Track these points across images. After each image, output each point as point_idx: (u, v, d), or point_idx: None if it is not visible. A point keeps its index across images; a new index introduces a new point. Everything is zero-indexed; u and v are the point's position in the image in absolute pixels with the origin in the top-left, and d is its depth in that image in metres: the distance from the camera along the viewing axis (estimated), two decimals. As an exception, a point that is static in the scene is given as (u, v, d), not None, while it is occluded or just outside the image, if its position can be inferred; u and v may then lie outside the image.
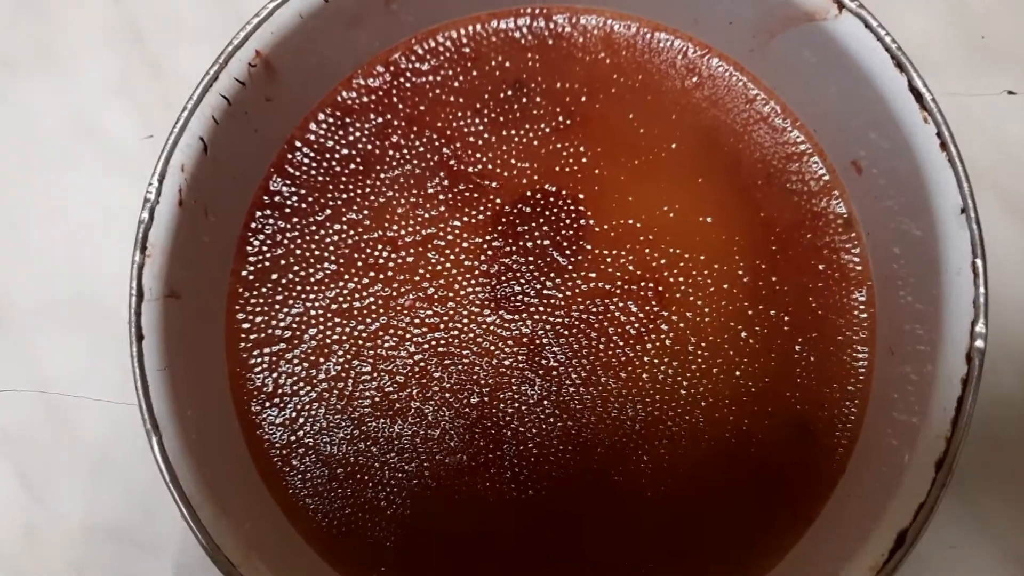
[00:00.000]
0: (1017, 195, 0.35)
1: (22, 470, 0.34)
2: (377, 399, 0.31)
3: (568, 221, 0.32)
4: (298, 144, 0.32)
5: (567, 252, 0.32)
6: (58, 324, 0.35)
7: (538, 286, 0.31)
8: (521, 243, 0.32)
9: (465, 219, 0.32)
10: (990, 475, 0.33)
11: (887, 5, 0.36)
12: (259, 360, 0.31)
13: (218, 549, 0.25)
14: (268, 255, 0.31)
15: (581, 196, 0.32)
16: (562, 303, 0.31)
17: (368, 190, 0.32)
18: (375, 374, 0.31)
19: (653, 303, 0.31)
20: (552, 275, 0.31)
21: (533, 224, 0.32)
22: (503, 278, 0.31)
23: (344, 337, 0.31)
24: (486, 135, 0.32)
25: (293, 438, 0.31)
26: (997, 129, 0.35)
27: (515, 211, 0.32)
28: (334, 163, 0.32)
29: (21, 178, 0.36)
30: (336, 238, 0.32)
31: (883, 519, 0.25)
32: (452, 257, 0.32)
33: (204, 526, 0.25)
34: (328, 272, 0.31)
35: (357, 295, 0.31)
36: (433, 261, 0.32)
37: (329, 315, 0.31)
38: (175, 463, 0.25)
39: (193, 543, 0.33)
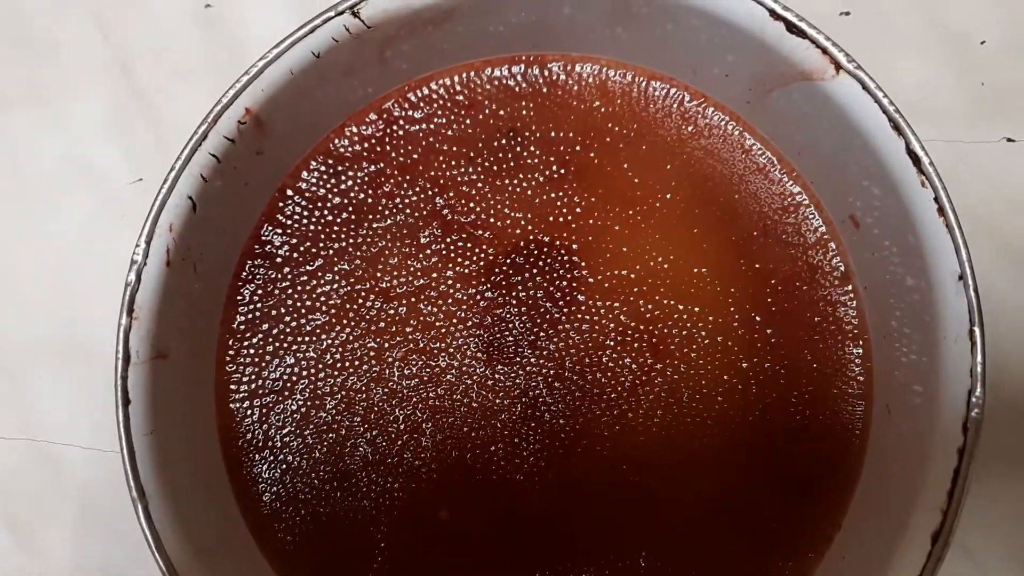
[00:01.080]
0: (1016, 242, 0.35)
1: (11, 517, 0.34)
2: (368, 453, 0.31)
3: (562, 272, 0.31)
4: (290, 193, 0.32)
5: (560, 303, 0.31)
6: (47, 367, 0.35)
7: (531, 337, 0.31)
8: (514, 294, 0.31)
9: (458, 269, 0.31)
10: (986, 526, 0.33)
11: (887, 52, 0.35)
12: (249, 412, 0.31)
13: (205, 619, 0.24)
14: (259, 305, 0.31)
15: (575, 246, 0.32)
16: (555, 355, 0.31)
17: (360, 240, 0.32)
18: (366, 427, 0.31)
19: (647, 354, 0.31)
20: (545, 326, 0.31)
21: (526, 275, 0.31)
22: (496, 329, 0.31)
23: (336, 389, 0.31)
24: (479, 184, 0.32)
25: (283, 491, 0.30)
26: (996, 176, 0.35)
27: (508, 261, 0.31)
28: (326, 212, 0.32)
29: (10, 217, 0.36)
30: (328, 288, 0.31)
31: (878, 592, 0.25)
32: (445, 308, 0.31)
33: (191, 595, 0.24)
34: (319, 323, 0.31)
35: (349, 347, 0.31)
36: (426, 312, 0.31)
37: (320, 367, 0.31)
38: (161, 530, 0.25)
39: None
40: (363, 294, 0.31)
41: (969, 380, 0.25)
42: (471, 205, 0.32)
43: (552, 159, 0.32)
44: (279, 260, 0.31)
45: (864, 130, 0.27)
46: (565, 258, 0.32)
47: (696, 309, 0.31)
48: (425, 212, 0.32)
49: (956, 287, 0.25)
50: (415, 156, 0.32)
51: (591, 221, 0.32)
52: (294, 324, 0.31)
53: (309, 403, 0.31)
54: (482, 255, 0.31)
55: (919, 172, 0.26)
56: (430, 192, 0.32)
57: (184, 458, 0.28)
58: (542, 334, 0.31)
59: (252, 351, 0.31)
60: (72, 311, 0.35)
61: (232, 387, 0.31)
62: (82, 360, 0.35)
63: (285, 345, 0.31)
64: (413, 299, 0.31)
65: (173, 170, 0.26)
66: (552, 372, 0.31)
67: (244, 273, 0.31)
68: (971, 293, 0.25)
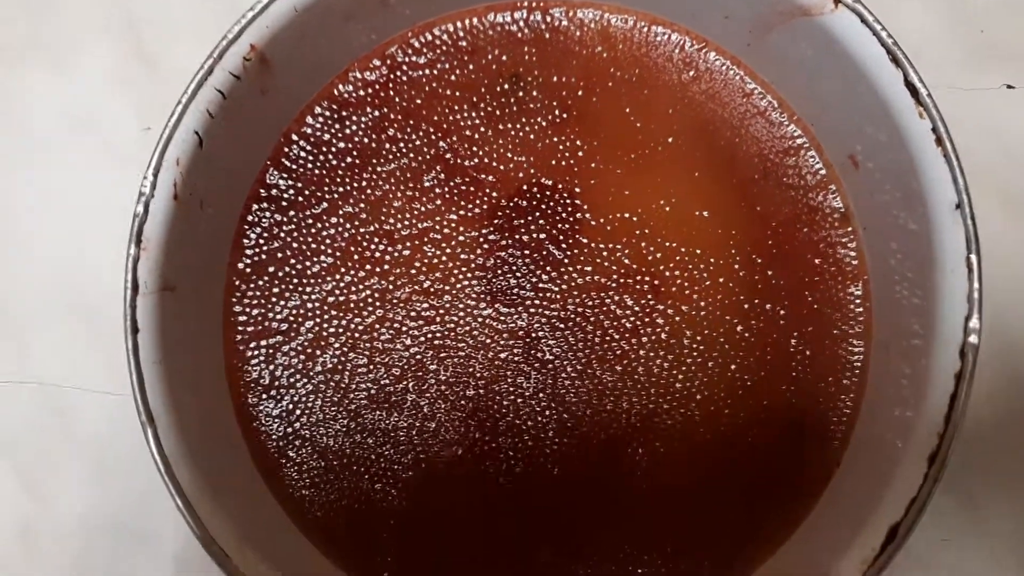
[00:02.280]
0: (1015, 189, 0.35)
1: (18, 465, 0.35)
2: (373, 391, 0.31)
3: (564, 215, 0.32)
4: (294, 137, 0.32)
5: (563, 246, 0.32)
6: (55, 317, 0.35)
7: (534, 280, 0.31)
8: (517, 237, 0.32)
9: (461, 213, 0.32)
10: (984, 468, 0.33)
11: (886, 0, 0.36)
12: (256, 353, 0.31)
13: (212, 540, 0.25)
14: (264, 248, 0.32)
15: (577, 190, 0.32)
16: (558, 296, 0.31)
17: (365, 184, 0.32)
18: (371, 367, 0.31)
19: (649, 297, 0.31)
20: (548, 269, 0.31)
21: (529, 218, 0.32)
22: (499, 272, 0.32)
23: (341, 330, 0.31)
24: (482, 129, 0.32)
25: (290, 430, 0.31)
26: (996, 123, 0.35)
27: (511, 205, 0.32)
28: (330, 157, 0.32)
29: (17, 170, 0.36)
30: (333, 231, 0.32)
31: (875, 514, 0.25)
32: (448, 251, 0.32)
33: (199, 517, 0.25)
34: (325, 265, 0.32)
35: (354, 288, 0.31)
36: (429, 255, 0.32)
37: (326, 308, 0.31)
38: (170, 455, 0.25)
39: (191, 536, 0.34)
40: (368, 236, 0.32)
41: (966, 306, 0.25)
42: (474, 149, 0.32)
43: (554, 104, 0.32)
44: (284, 203, 0.32)
45: (862, 64, 0.27)
46: (567, 201, 0.32)
47: (697, 251, 0.32)
48: (428, 156, 0.32)
49: (953, 216, 0.26)
50: (418, 101, 0.32)
51: (593, 165, 0.32)
52: (299, 266, 0.31)
53: (315, 344, 0.31)
54: (485, 198, 0.32)
55: (917, 103, 0.26)
56: (433, 136, 0.32)
57: (192, 392, 0.28)
58: (544, 276, 0.31)
59: (258, 293, 0.31)
60: (80, 260, 0.36)
61: (239, 328, 0.31)
62: (90, 308, 0.35)
63: (291, 287, 0.31)
64: (417, 241, 0.32)
65: (180, 104, 0.27)
66: (554, 313, 0.31)
67: (250, 216, 0.32)
68: (968, 221, 0.25)
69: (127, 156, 0.36)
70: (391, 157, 0.32)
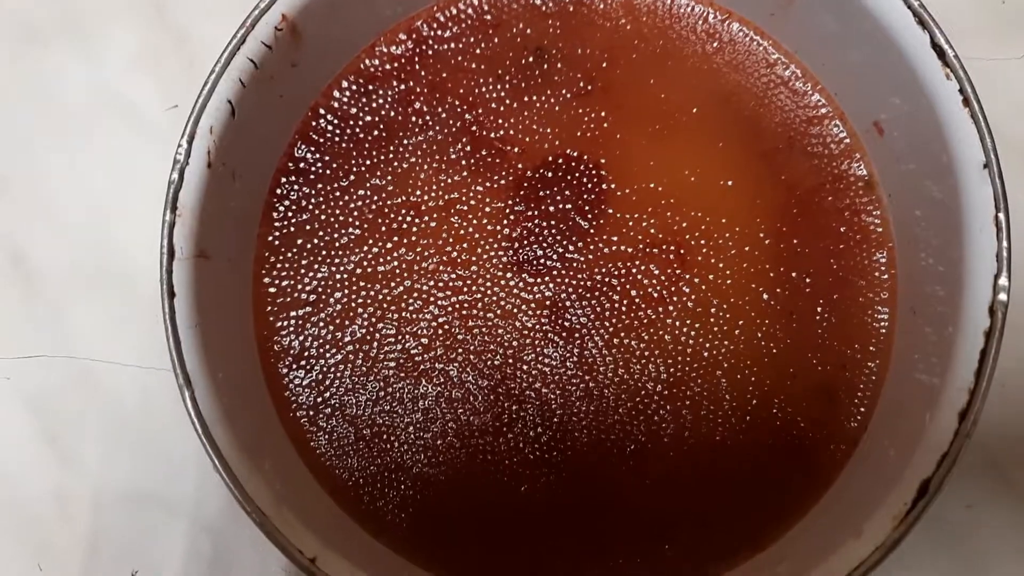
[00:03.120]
0: (1038, 159, 0.35)
1: (51, 433, 0.35)
2: (402, 360, 0.31)
3: (589, 185, 0.32)
4: (322, 111, 0.32)
5: (589, 216, 0.32)
6: (86, 291, 0.36)
7: (560, 249, 0.32)
8: (543, 207, 0.32)
9: (487, 184, 0.32)
10: (1009, 435, 0.33)
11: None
12: (286, 323, 0.31)
13: (250, 499, 0.25)
14: (294, 220, 0.32)
15: (602, 161, 0.32)
16: (584, 266, 0.32)
17: (391, 156, 0.32)
18: (400, 336, 0.31)
19: (675, 266, 0.32)
20: (574, 239, 0.32)
21: (555, 189, 0.32)
22: (525, 242, 0.32)
23: (369, 300, 0.32)
24: (508, 101, 0.32)
25: (320, 399, 0.31)
26: (1017, 93, 0.35)
27: (537, 176, 0.32)
28: (358, 130, 0.32)
29: (49, 148, 0.37)
30: (360, 203, 0.32)
31: (906, 471, 0.25)
32: (475, 222, 0.32)
33: (237, 477, 0.25)
34: (353, 237, 0.32)
35: (381, 259, 0.32)
36: (456, 225, 0.32)
37: (354, 279, 0.32)
38: (207, 417, 0.26)
39: (220, 504, 0.34)
40: (394, 208, 0.32)
41: (995, 264, 0.25)
42: (499, 121, 0.32)
43: (579, 76, 0.33)
44: (312, 176, 0.32)
45: (888, 28, 0.28)
46: (593, 172, 0.32)
47: (723, 220, 0.32)
48: (454, 129, 0.32)
49: (981, 176, 0.26)
50: (444, 75, 0.33)
51: (618, 136, 0.32)
52: (328, 238, 0.32)
53: (343, 314, 0.31)
54: (511, 170, 0.32)
55: (944, 65, 0.26)
56: (459, 109, 0.32)
57: (226, 358, 0.28)
58: (570, 246, 0.32)
59: (288, 264, 0.32)
60: (111, 235, 0.36)
61: (269, 299, 0.32)
62: (120, 283, 0.36)
63: (319, 259, 0.32)
64: (444, 213, 0.32)
65: (213, 73, 0.27)
66: (581, 282, 0.31)
67: (279, 189, 0.32)
68: (996, 180, 0.26)
69: (155, 133, 0.37)
70: (417, 130, 0.32)
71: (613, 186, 0.32)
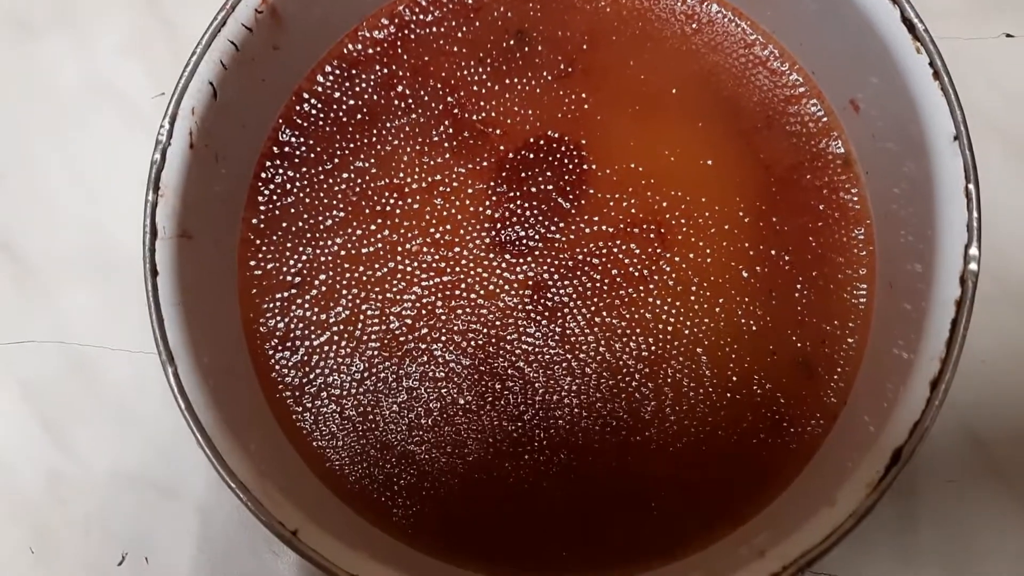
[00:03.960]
0: (1017, 137, 0.36)
1: (45, 418, 0.35)
2: (386, 341, 0.32)
3: (571, 166, 0.32)
4: (305, 95, 0.33)
5: (570, 196, 0.32)
6: (77, 275, 0.36)
7: (542, 230, 0.32)
8: (525, 188, 0.32)
9: (470, 166, 0.32)
10: (991, 409, 0.34)
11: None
12: (271, 305, 0.32)
13: (232, 473, 0.25)
14: (278, 203, 0.32)
15: (583, 142, 0.32)
16: (566, 246, 0.32)
17: (375, 139, 0.33)
18: (383, 317, 0.32)
19: (655, 244, 0.32)
20: (556, 219, 0.32)
21: (536, 170, 0.32)
22: (507, 223, 0.32)
23: (353, 282, 0.32)
24: (489, 84, 0.33)
25: (305, 380, 0.31)
26: (996, 72, 0.36)
27: (519, 157, 0.32)
28: (341, 113, 0.33)
29: (38, 134, 0.37)
30: (344, 186, 0.32)
31: (880, 439, 0.26)
32: (457, 203, 0.32)
33: (219, 453, 0.26)
34: (337, 219, 0.32)
35: (365, 241, 0.32)
36: (439, 207, 0.32)
37: (338, 261, 0.32)
38: (190, 393, 0.26)
39: (210, 486, 0.34)
40: (378, 191, 0.32)
41: (966, 235, 0.26)
42: (481, 104, 0.33)
43: (560, 58, 0.33)
44: (296, 160, 0.32)
45: (860, 4, 0.28)
46: (574, 153, 0.32)
47: (702, 199, 0.32)
48: (437, 111, 0.33)
49: (952, 148, 0.26)
50: (426, 58, 0.33)
51: (599, 117, 0.33)
52: (312, 221, 0.32)
53: (328, 296, 0.32)
54: (493, 151, 0.32)
55: (914, 39, 0.27)
56: (441, 92, 0.33)
57: (210, 338, 0.29)
58: (552, 226, 0.32)
59: (272, 247, 0.32)
60: (101, 221, 0.37)
61: (254, 281, 0.32)
62: (110, 267, 0.36)
63: (304, 241, 0.32)
64: (426, 194, 0.32)
65: (194, 55, 0.27)
66: (562, 262, 0.32)
67: (263, 173, 0.32)
68: (966, 152, 0.26)
69: (144, 121, 0.37)
70: (400, 113, 0.33)
71: (594, 167, 0.32)
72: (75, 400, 0.35)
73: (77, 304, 0.36)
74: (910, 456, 0.25)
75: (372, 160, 0.33)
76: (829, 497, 0.26)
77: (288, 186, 0.32)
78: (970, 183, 0.26)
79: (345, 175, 0.32)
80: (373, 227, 0.32)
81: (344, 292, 0.32)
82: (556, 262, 0.32)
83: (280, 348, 0.32)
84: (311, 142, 0.33)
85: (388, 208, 0.32)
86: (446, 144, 0.33)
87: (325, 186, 0.32)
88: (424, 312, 0.32)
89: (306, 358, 0.32)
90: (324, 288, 0.32)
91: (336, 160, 0.33)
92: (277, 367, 0.32)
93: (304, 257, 0.32)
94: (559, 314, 0.32)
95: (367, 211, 0.32)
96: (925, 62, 0.27)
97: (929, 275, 0.27)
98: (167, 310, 0.26)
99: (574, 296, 0.32)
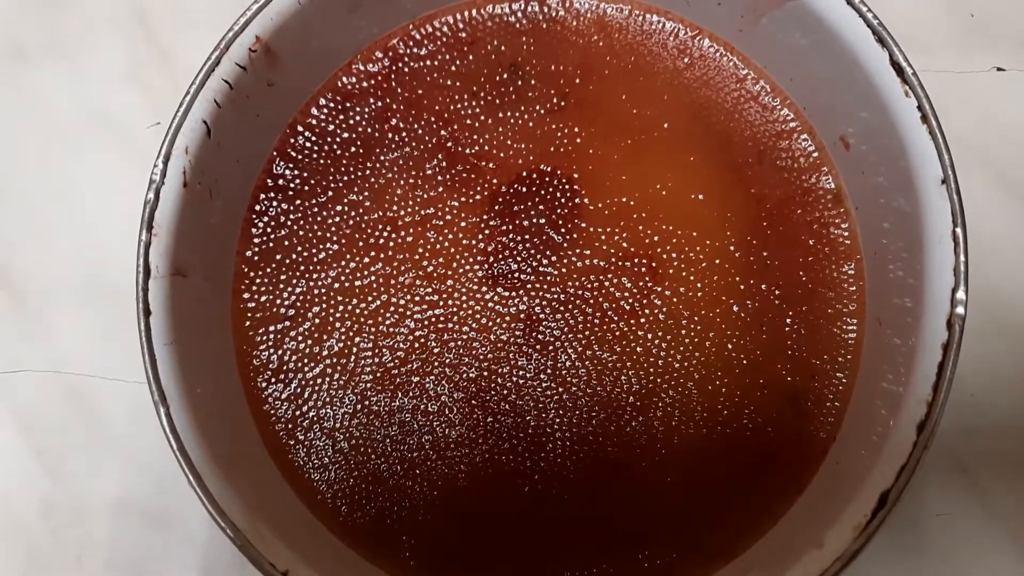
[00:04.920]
0: (1007, 171, 0.36)
1: (39, 448, 0.36)
2: (379, 374, 0.32)
3: (563, 200, 0.33)
4: (300, 128, 0.33)
5: (562, 230, 0.32)
6: (71, 305, 0.36)
7: (534, 263, 0.32)
8: (517, 222, 0.32)
9: (463, 199, 0.33)
10: (980, 444, 0.34)
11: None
12: (264, 337, 0.32)
13: (223, 513, 0.26)
14: (272, 236, 0.32)
15: (576, 175, 0.33)
16: (558, 279, 0.32)
17: (368, 172, 0.33)
18: (376, 350, 0.32)
19: (646, 278, 0.32)
20: (548, 252, 0.32)
21: (529, 203, 0.33)
22: (500, 256, 0.32)
23: (346, 315, 0.32)
24: (482, 117, 0.33)
25: (298, 412, 0.32)
26: (987, 106, 0.36)
27: (511, 191, 0.33)
28: (335, 146, 0.33)
29: (33, 163, 0.38)
30: (338, 219, 0.33)
31: (867, 482, 0.26)
32: (450, 236, 0.32)
33: (210, 492, 0.26)
34: (330, 252, 0.32)
35: (358, 274, 0.32)
36: (432, 240, 0.32)
37: (332, 294, 0.32)
38: (182, 433, 0.26)
39: (204, 516, 0.34)
40: (372, 223, 0.32)
41: (953, 279, 0.26)
42: (475, 137, 0.33)
43: (552, 92, 0.33)
44: (291, 192, 0.33)
45: (850, 45, 0.28)
46: (566, 186, 0.33)
47: (694, 234, 0.32)
48: (430, 145, 0.33)
49: (939, 191, 0.26)
50: (420, 92, 0.33)
51: (591, 151, 0.33)
52: (306, 254, 0.32)
53: (321, 329, 0.32)
54: (486, 185, 0.33)
55: (903, 82, 0.27)
56: (435, 126, 0.33)
57: (203, 373, 0.29)
58: (544, 260, 0.32)
59: (266, 279, 0.32)
60: (94, 251, 0.37)
61: (248, 313, 0.32)
62: (105, 296, 0.36)
63: (298, 274, 0.32)
64: (420, 227, 0.32)
65: (188, 94, 0.28)
66: (554, 296, 0.32)
67: (258, 205, 0.33)
68: (953, 195, 0.26)
69: (140, 150, 0.37)
70: (394, 146, 0.33)
71: (586, 200, 0.33)
72: (69, 429, 0.35)
73: (72, 333, 0.36)
74: (897, 499, 0.25)
75: (366, 193, 0.33)
76: (817, 539, 0.26)
77: (282, 219, 0.33)
78: (957, 227, 0.26)
79: (339, 207, 0.33)
80: (367, 260, 0.32)
81: (337, 325, 0.32)
82: (548, 295, 0.32)
83: (273, 381, 0.32)
84: (305, 175, 0.33)
85: (382, 241, 0.32)
86: (439, 177, 0.33)
87: (319, 219, 0.33)
88: (417, 345, 0.32)
89: (299, 391, 0.32)
90: (318, 320, 0.32)
91: (330, 193, 0.33)
92: (270, 399, 0.32)
93: (298, 289, 0.32)
94: (551, 348, 0.32)
95: (361, 244, 0.32)
96: (913, 105, 0.27)
97: (917, 314, 0.28)
98: (160, 350, 0.27)
99: (565, 330, 0.32)
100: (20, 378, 0.36)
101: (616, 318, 0.32)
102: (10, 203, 0.37)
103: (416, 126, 0.33)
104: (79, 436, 0.35)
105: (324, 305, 0.32)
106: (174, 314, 0.28)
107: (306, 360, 0.32)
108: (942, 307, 0.26)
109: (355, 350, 0.32)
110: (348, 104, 0.33)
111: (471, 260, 0.32)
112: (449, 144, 0.33)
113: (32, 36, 0.38)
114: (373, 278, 0.32)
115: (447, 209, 0.33)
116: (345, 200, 0.33)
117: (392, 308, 0.32)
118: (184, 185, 0.28)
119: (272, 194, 0.33)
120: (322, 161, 0.33)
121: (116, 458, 0.35)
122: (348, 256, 0.32)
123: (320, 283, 0.32)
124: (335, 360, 0.32)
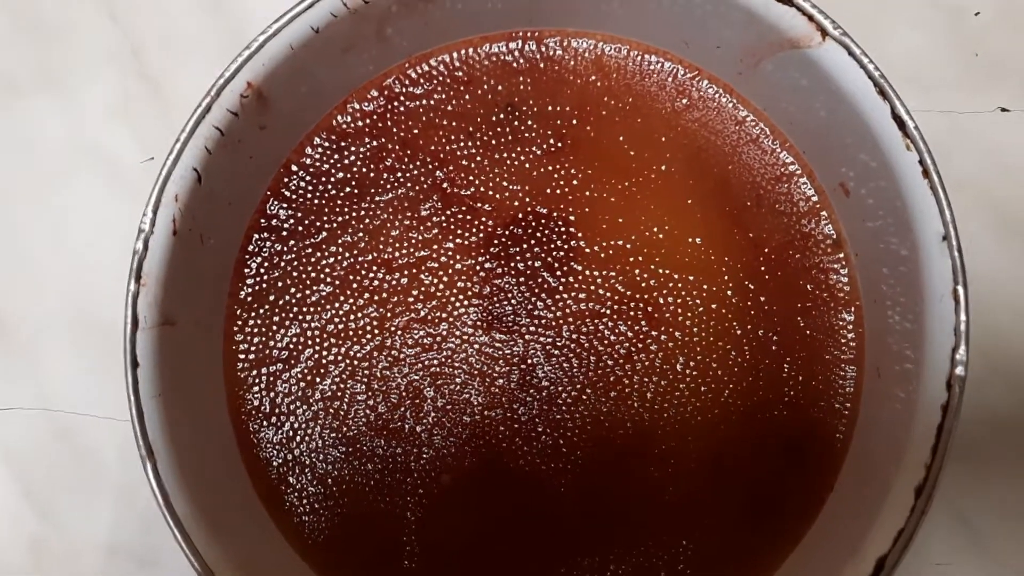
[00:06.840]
0: (1012, 211, 0.35)
1: (28, 487, 0.35)
2: (371, 418, 0.31)
3: (559, 242, 0.32)
4: (294, 168, 0.33)
5: (558, 273, 0.32)
6: (61, 341, 0.36)
7: (529, 307, 0.32)
8: (513, 264, 0.32)
9: (458, 241, 0.32)
10: (981, 492, 0.34)
11: (882, 22, 0.36)
12: (256, 380, 0.32)
13: (209, 571, 0.25)
14: (265, 277, 0.32)
15: (572, 218, 0.32)
16: (553, 323, 0.32)
17: (363, 213, 0.32)
18: (369, 394, 0.32)
19: (642, 323, 0.32)
20: (543, 296, 0.32)
21: (525, 246, 0.32)
22: (495, 299, 0.32)
23: (340, 357, 0.32)
24: (479, 158, 0.33)
25: (290, 457, 0.31)
26: (990, 146, 0.35)
27: (507, 233, 0.32)
28: (330, 186, 0.33)
29: (23, 197, 0.37)
30: (332, 260, 0.32)
31: (863, 545, 0.25)
32: (445, 279, 0.32)
33: (197, 549, 0.25)
34: (324, 294, 0.32)
35: (352, 316, 0.32)
36: (427, 283, 0.32)
37: (325, 336, 0.32)
38: (169, 487, 0.26)
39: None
40: (366, 265, 0.32)
41: (953, 338, 0.25)
42: (470, 178, 0.33)
43: (549, 133, 0.33)
44: (284, 233, 0.32)
45: (851, 96, 0.28)
46: (562, 229, 0.32)
47: (691, 278, 0.32)
48: (426, 185, 0.33)
49: (940, 248, 0.26)
50: (415, 131, 0.33)
51: (588, 193, 0.32)
52: (299, 295, 0.32)
53: (314, 371, 0.32)
54: (481, 227, 0.32)
55: (904, 136, 0.27)
56: (430, 166, 0.33)
57: (193, 422, 0.28)
58: (539, 303, 0.32)
59: (259, 321, 0.32)
60: (85, 288, 0.36)
61: (240, 356, 0.32)
62: (95, 333, 0.36)
63: (291, 316, 0.32)
64: (415, 270, 0.32)
65: (178, 142, 0.27)
66: (549, 340, 0.32)
67: (251, 247, 0.32)
68: (955, 253, 0.26)
69: (131, 185, 0.37)
70: (389, 187, 0.33)
71: (582, 243, 0.32)
72: (59, 468, 0.35)
73: (62, 371, 0.36)
74: (894, 566, 0.24)
75: (360, 234, 0.32)
76: (813, 599, 0.26)
77: (276, 259, 0.32)
78: (959, 285, 0.25)
79: (333, 248, 0.32)
80: (361, 302, 0.32)
81: (331, 368, 0.32)
82: (544, 340, 0.32)
83: (265, 424, 0.31)
84: (299, 215, 0.32)
85: (376, 283, 0.32)
86: (435, 219, 0.32)
87: (313, 260, 0.32)
88: (410, 390, 0.32)
89: (291, 434, 0.31)
90: (311, 363, 0.32)
91: (324, 233, 0.32)
92: (261, 443, 0.31)
93: (291, 332, 0.32)
94: (545, 393, 0.31)
95: (355, 286, 0.32)
96: (915, 159, 0.26)
97: (916, 369, 0.27)
98: (147, 403, 0.26)
99: (561, 375, 0.31)
100: (9, 416, 0.36)
101: (612, 363, 0.32)
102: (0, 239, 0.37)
103: (412, 166, 0.33)
104: (69, 475, 0.35)
105: (317, 347, 0.32)
106: (162, 365, 0.27)
107: (298, 403, 0.32)
108: (942, 367, 0.26)
109: (348, 394, 0.32)
110: (343, 143, 0.33)
111: (466, 303, 0.32)
112: (445, 185, 0.33)
113: (23, 68, 0.38)
114: (367, 321, 0.32)
115: (442, 251, 0.32)
116: (340, 241, 0.32)
117: (386, 351, 0.32)
118: (174, 233, 0.28)
119: (266, 235, 0.32)
120: (316, 201, 0.33)
121: (107, 498, 0.35)
122: (342, 298, 0.32)
123: (313, 325, 0.32)
124: (327, 403, 0.32)
